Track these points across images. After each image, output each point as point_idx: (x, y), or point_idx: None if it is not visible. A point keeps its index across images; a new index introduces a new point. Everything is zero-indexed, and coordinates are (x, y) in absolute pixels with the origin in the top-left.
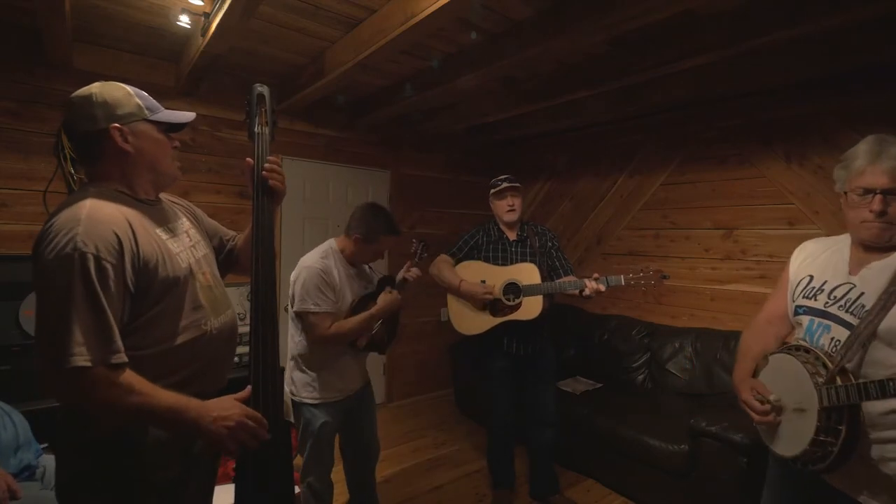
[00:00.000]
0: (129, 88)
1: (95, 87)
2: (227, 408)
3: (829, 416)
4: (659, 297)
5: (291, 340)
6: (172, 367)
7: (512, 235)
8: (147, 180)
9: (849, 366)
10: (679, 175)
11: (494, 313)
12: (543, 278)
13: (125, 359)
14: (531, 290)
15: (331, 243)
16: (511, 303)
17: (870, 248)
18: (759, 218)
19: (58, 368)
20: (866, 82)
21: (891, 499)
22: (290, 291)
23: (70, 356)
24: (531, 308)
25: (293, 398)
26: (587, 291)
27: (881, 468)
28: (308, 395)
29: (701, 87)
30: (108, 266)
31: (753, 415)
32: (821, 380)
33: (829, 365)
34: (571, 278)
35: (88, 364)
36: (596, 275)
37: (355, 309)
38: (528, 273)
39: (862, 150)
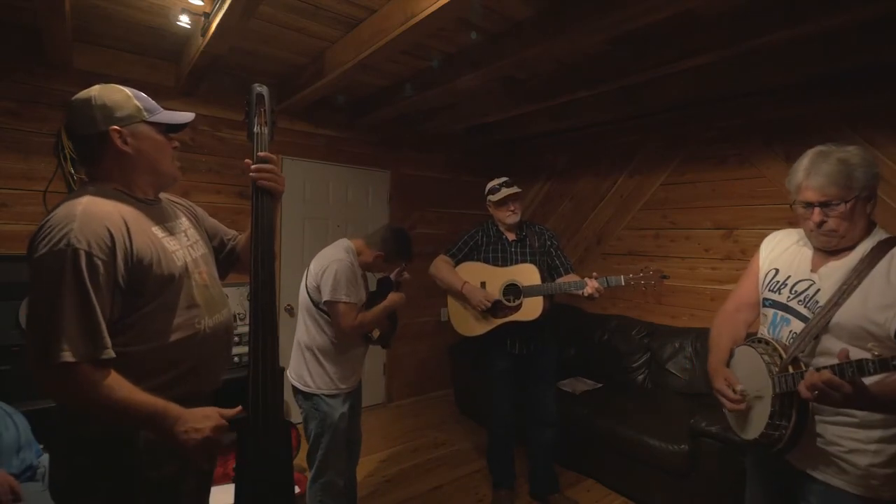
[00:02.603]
0: (128, 90)
1: (95, 90)
2: (202, 420)
3: (783, 401)
4: (659, 297)
5: (306, 334)
6: (165, 365)
7: (511, 236)
8: (146, 181)
9: (802, 356)
10: (679, 175)
11: (495, 314)
12: (543, 279)
13: (112, 354)
14: (531, 291)
15: (348, 243)
16: (511, 304)
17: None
18: (759, 218)
19: (46, 363)
20: (866, 82)
21: (837, 471)
22: (314, 283)
23: (59, 351)
24: (531, 309)
25: (306, 391)
26: (588, 291)
27: (829, 448)
28: (325, 386)
29: (701, 87)
30: (99, 263)
31: (726, 402)
32: (775, 369)
33: (784, 355)
34: (572, 277)
35: (73, 360)
36: (595, 274)
37: (367, 305)
38: (527, 274)
39: (802, 164)
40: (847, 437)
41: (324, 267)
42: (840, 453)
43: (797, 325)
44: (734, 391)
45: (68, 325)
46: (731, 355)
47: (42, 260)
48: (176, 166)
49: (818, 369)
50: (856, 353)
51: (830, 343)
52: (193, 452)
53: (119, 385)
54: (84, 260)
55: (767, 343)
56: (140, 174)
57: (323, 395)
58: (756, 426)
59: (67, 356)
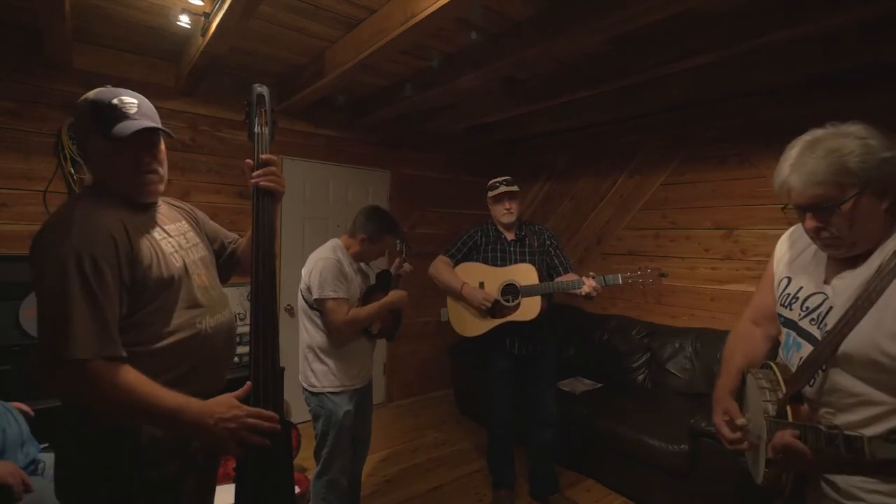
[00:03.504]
0: (91, 100)
1: (82, 98)
2: (228, 408)
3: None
4: (659, 297)
5: (307, 334)
6: (166, 365)
7: (510, 235)
8: (125, 189)
9: (809, 391)
10: (679, 175)
11: (493, 315)
12: (542, 278)
13: (123, 353)
14: (529, 291)
15: (336, 241)
16: (509, 304)
17: None
18: (759, 218)
19: (57, 362)
20: (866, 82)
21: None
22: (304, 284)
23: (68, 349)
24: (530, 308)
25: (312, 391)
26: (585, 290)
27: (847, 502)
28: (330, 384)
29: (701, 87)
30: (103, 264)
31: (725, 443)
32: (773, 408)
33: (784, 390)
34: (571, 276)
35: (86, 357)
36: (592, 273)
37: (363, 299)
38: (525, 273)
39: (789, 157)
40: (865, 487)
41: (311, 268)
42: None
43: (808, 351)
44: (736, 427)
45: (76, 324)
46: (744, 381)
47: (46, 265)
48: (143, 180)
49: (793, 425)
50: (871, 395)
51: (839, 377)
52: (225, 443)
53: (138, 382)
54: (88, 262)
55: (775, 373)
56: (117, 182)
57: (328, 392)
58: (758, 470)
59: (77, 353)
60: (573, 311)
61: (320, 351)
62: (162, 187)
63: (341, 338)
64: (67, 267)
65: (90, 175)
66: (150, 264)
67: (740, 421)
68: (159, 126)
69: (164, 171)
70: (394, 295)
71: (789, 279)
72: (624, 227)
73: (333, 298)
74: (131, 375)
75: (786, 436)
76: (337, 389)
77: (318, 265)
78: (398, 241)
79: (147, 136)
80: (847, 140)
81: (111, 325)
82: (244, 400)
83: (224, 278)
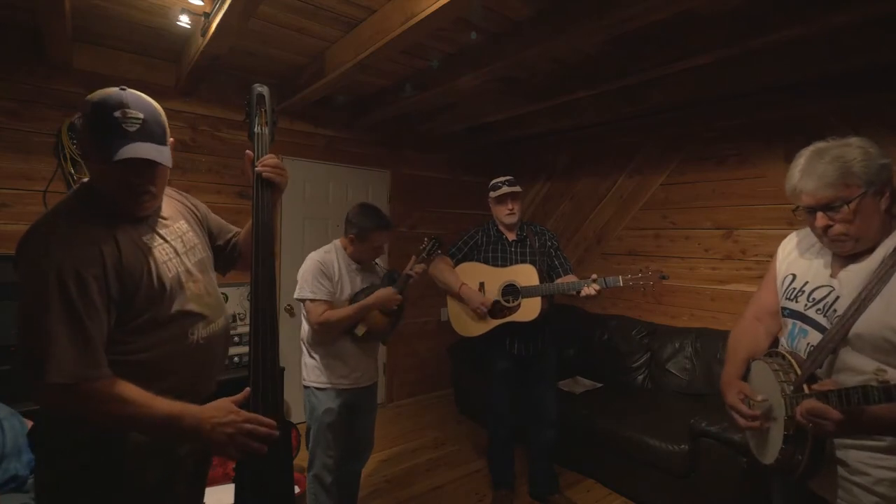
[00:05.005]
0: (98, 103)
1: (86, 99)
2: (225, 413)
3: (797, 424)
4: (659, 297)
5: (302, 330)
6: (158, 375)
7: (511, 236)
8: (116, 202)
9: (820, 372)
10: (679, 175)
11: (493, 315)
12: (542, 279)
13: (108, 373)
14: (529, 292)
15: (335, 243)
16: (510, 304)
17: None
18: (759, 218)
19: (37, 383)
20: (866, 82)
21: None
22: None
23: (47, 372)
24: (530, 309)
25: (304, 384)
26: (585, 292)
27: (855, 478)
28: (315, 379)
29: (701, 87)
30: (90, 278)
31: (741, 420)
32: (789, 388)
33: (799, 372)
34: (571, 278)
35: (65, 381)
36: (594, 276)
37: (351, 299)
38: (526, 274)
39: (797, 165)
40: (873, 464)
41: (300, 268)
42: (869, 485)
43: (815, 337)
44: (751, 405)
45: (56, 346)
46: (748, 370)
47: (28, 276)
48: (134, 201)
49: (822, 393)
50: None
51: (850, 357)
52: (223, 448)
53: (130, 394)
54: (72, 278)
55: (783, 357)
56: (110, 194)
57: (313, 387)
58: (772, 450)
59: (55, 377)
60: (573, 311)
61: (307, 345)
62: (157, 202)
63: (320, 337)
64: (49, 282)
65: (90, 175)
66: (140, 275)
67: (760, 397)
68: (158, 158)
69: (159, 188)
70: (375, 296)
71: (794, 276)
72: (624, 227)
73: (311, 299)
74: (121, 388)
75: (811, 401)
76: (322, 386)
77: (304, 266)
78: (427, 239)
79: (143, 160)
80: (850, 149)
81: (94, 343)
82: (244, 402)
83: (226, 271)
